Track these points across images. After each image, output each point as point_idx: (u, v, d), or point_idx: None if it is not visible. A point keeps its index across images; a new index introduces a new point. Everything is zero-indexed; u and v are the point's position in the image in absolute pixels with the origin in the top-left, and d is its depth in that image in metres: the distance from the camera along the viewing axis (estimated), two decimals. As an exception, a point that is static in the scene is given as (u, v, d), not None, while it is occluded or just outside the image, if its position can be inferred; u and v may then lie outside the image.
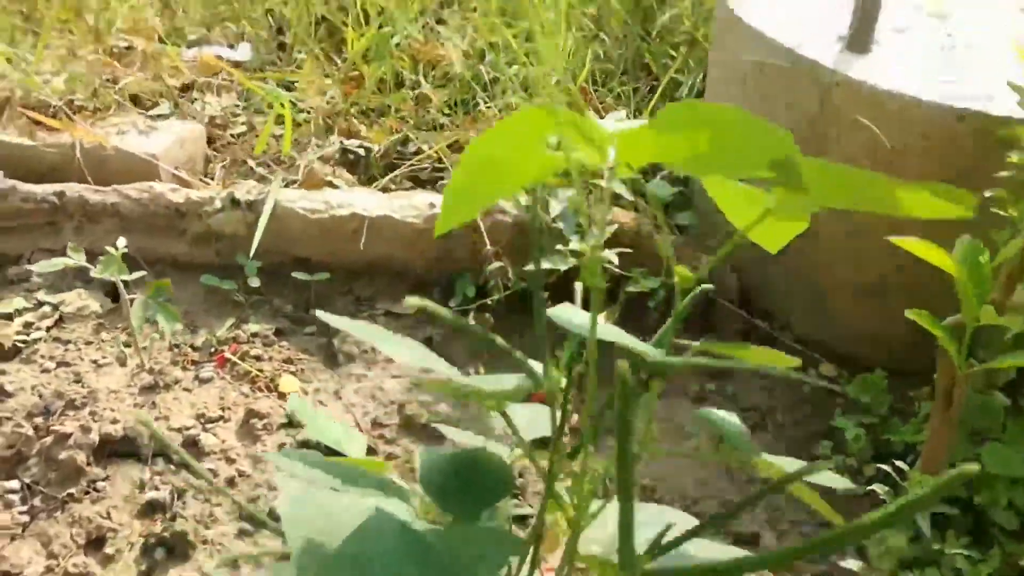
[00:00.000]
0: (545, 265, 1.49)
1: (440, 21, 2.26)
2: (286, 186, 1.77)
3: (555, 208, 1.54)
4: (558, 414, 0.63)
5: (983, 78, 1.41)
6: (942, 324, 1.08)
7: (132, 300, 1.42)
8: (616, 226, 1.56)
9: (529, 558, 0.63)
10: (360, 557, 0.54)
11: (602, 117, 1.67)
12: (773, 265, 1.60)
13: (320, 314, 0.72)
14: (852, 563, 1.18)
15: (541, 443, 0.68)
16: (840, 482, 0.71)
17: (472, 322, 1.63)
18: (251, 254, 1.64)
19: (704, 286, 0.64)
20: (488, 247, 1.59)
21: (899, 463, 1.19)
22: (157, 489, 1.27)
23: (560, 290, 0.77)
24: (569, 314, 0.67)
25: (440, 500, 0.65)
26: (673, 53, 2.08)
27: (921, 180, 0.54)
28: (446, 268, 1.71)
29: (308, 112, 2.03)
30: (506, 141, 0.54)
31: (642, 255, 1.60)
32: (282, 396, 1.48)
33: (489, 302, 1.55)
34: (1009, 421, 1.27)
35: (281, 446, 1.36)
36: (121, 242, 1.43)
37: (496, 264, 1.56)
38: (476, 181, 0.56)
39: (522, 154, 0.54)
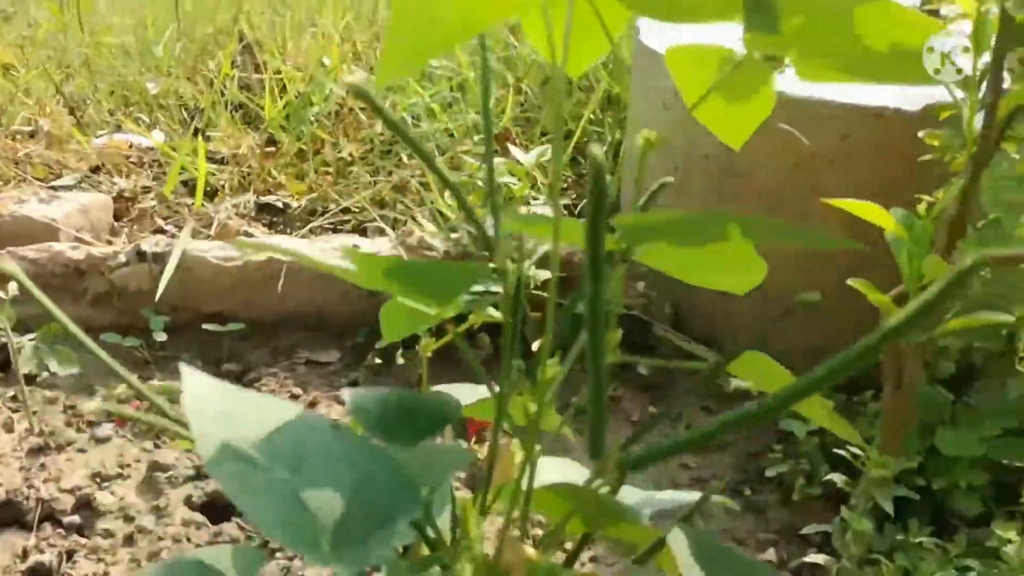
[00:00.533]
0: (479, 289, 1.42)
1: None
2: (197, 240, 1.68)
3: (490, 231, 1.49)
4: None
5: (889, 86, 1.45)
6: (887, 295, 1.05)
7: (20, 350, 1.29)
8: (547, 247, 1.51)
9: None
10: (291, 458, 0.44)
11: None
12: (704, 292, 1.58)
13: (183, 367, 0.54)
14: (818, 557, 1.10)
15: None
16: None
17: (401, 361, 1.54)
18: (156, 304, 1.53)
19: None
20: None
21: (854, 450, 1.13)
22: (42, 552, 1.12)
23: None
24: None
25: (377, 429, 0.56)
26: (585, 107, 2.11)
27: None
28: (373, 310, 1.62)
29: (223, 173, 1.97)
30: None
31: (574, 281, 1.55)
32: (189, 449, 1.34)
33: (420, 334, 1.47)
34: (958, 408, 1.24)
35: (187, 498, 1.23)
36: (12, 286, 1.31)
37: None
38: (416, 21, 0.49)
39: None
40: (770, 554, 1.20)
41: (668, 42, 0.55)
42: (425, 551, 0.56)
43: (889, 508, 1.05)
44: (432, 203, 1.75)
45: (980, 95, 1.00)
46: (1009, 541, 1.04)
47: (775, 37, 0.48)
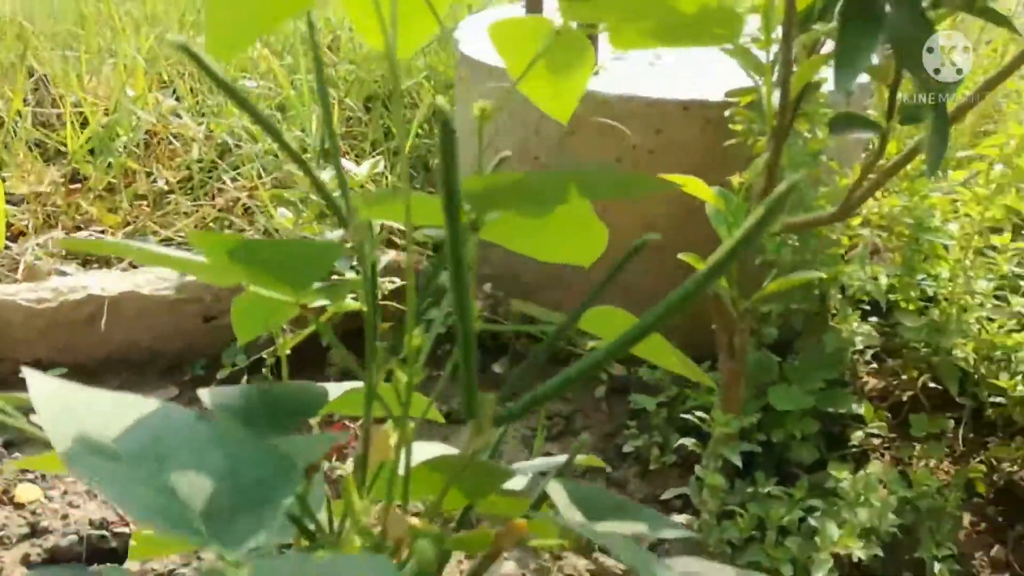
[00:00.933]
0: (325, 302, 1.39)
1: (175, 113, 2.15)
2: (4, 284, 1.54)
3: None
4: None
5: (692, 81, 1.56)
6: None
7: None
8: (388, 259, 1.50)
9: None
10: (155, 449, 0.42)
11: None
12: (552, 290, 1.63)
13: (27, 371, 0.50)
14: (680, 518, 1.16)
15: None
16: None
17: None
18: (-37, 356, 1.39)
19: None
20: (252, 303, 1.46)
21: (700, 414, 1.20)
22: None
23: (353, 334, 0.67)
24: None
25: (241, 420, 0.54)
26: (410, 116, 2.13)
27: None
28: (209, 341, 1.55)
29: (25, 213, 1.81)
30: None
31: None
32: (20, 506, 1.23)
33: (264, 356, 1.41)
34: (786, 367, 1.34)
35: (25, 558, 1.12)
36: None
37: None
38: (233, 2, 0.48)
39: None
40: (665, 517, 1.24)
41: (488, 51, 0.56)
42: (304, 543, 0.54)
43: (737, 461, 1.13)
44: (267, 220, 1.69)
45: (774, 78, 1.10)
46: (843, 480, 1.14)
47: (590, 4, 0.51)
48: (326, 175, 1.50)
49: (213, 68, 0.44)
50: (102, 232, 1.79)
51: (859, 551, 1.04)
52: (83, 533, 1.17)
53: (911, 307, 1.37)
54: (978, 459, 1.30)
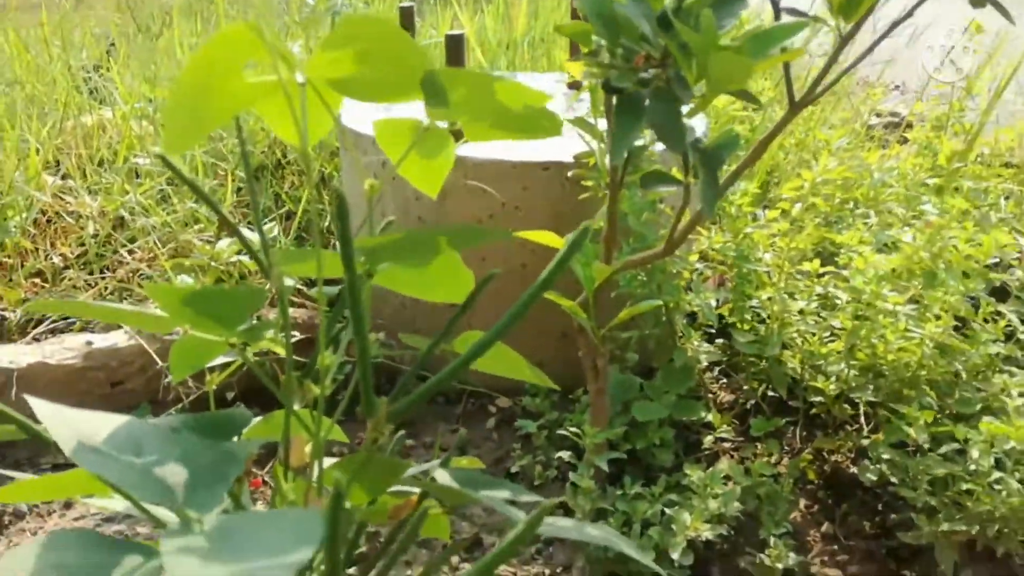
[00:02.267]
0: (230, 359, 1.51)
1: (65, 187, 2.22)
2: (-94, 363, 1.59)
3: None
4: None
5: (550, 146, 1.79)
6: (573, 302, 1.32)
7: None
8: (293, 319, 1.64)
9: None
10: (130, 443, 0.56)
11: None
12: (428, 320, 1.80)
13: (30, 399, 0.62)
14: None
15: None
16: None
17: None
18: None
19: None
20: (160, 365, 1.57)
21: (575, 430, 1.39)
22: None
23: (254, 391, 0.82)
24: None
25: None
26: (301, 189, 2.28)
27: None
28: (119, 404, 1.64)
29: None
30: (208, 67, 0.61)
31: (313, 343, 1.69)
32: None
33: (173, 413, 1.51)
34: (646, 385, 1.55)
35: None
36: None
37: (170, 378, 1.55)
38: (189, 107, 0.63)
39: (224, 80, 0.62)
40: (523, 487, 1.41)
41: (366, 121, 0.72)
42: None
43: (605, 467, 1.31)
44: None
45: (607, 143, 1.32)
46: (696, 477, 1.34)
47: (446, 109, 0.70)
48: (223, 244, 1.64)
49: (178, 169, 0.60)
50: (2, 310, 1.84)
51: (707, 532, 1.24)
52: None
53: (745, 327, 1.61)
54: (807, 451, 1.54)
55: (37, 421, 0.61)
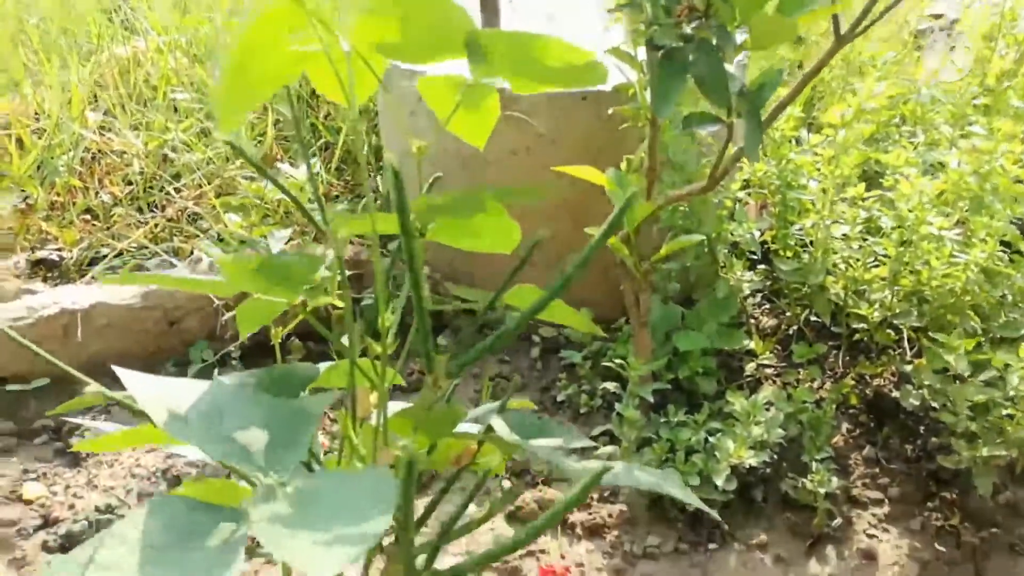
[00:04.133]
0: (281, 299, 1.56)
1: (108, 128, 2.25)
2: (-25, 307, 1.66)
3: (275, 247, 1.63)
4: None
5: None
6: (615, 238, 1.33)
7: None
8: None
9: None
10: (213, 410, 0.60)
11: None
12: (478, 268, 1.82)
13: (119, 370, 0.66)
14: (606, 449, 1.38)
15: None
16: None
17: (217, 380, 1.64)
18: (-47, 376, 1.52)
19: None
20: (216, 303, 1.62)
21: (619, 361, 1.42)
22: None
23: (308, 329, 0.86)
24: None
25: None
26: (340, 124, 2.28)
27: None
28: (176, 342, 1.70)
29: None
30: (255, 42, 0.63)
31: (367, 278, 1.74)
32: (29, 502, 1.38)
33: (232, 349, 1.58)
34: (687, 315, 1.57)
35: (44, 544, 1.28)
36: None
37: (229, 315, 1.60)
38: (238, 82, 0.65)
39: (271, 52, 0.64)
40: (571, 458, 1.46)
41: None
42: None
43: (649, 397, 1.35)
44: (215, 225, 1.84)
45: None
46: (739, 404, 1.37)
47: (488, 66, 0.71)
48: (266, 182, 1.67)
49: (254, 159, 0.62)
50: (59, 250, 1.90)
51: (750, 459, 1.27)
52: (91, 519, 1.33)
53: (788, 253, 1.61)
54: (850, 377, 1.56)
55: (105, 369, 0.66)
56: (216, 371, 1.64)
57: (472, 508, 1.31)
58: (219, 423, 0.60)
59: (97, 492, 1.40)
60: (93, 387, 0.75)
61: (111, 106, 2.28)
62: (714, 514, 0.79)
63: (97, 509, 1.35)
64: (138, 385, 0.61)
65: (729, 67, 0.80)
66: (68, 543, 1.29)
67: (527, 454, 0.68)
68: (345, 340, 0.74)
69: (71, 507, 1.36)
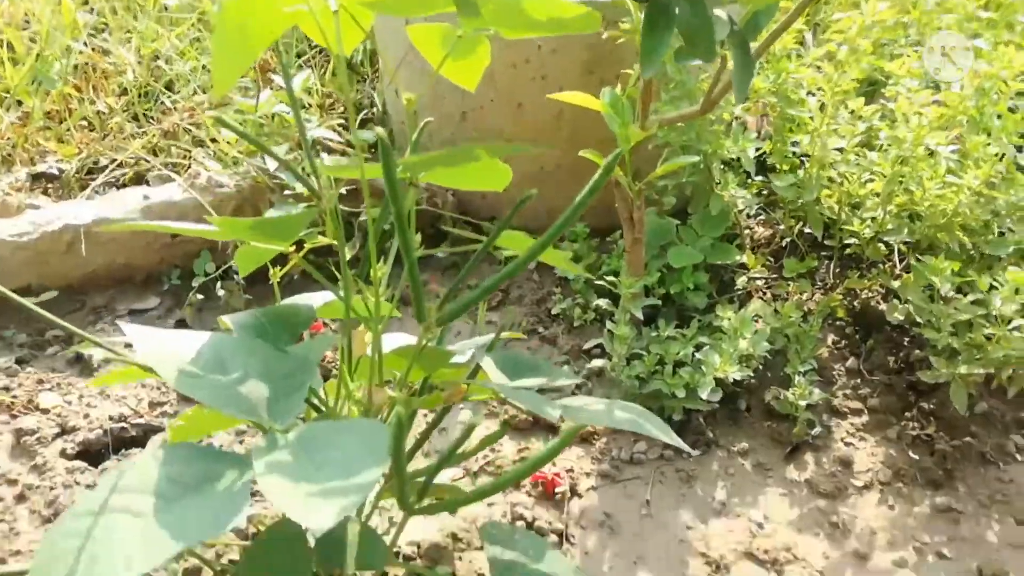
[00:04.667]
0: (280, 213, 1.58)
1: (98, 33, 2.21)
2: (-20, 221, 1.69)
3: (272, 164, 1.64)
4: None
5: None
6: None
7: None
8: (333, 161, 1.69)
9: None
10: (216, 362, 0.64)
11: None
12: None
13: (123, 324, 0.70)
14: (598, 363, 1.43)
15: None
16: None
17: (221, 292, 1.68)
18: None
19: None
20: (216, 216, 1.65)
21: (612, 278, 1.45)
22: (-60, 532, 1.21)
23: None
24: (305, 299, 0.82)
25: (255, 335, 0.76)
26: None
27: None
28: (179, 253, 1.74)
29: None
30: (246, 2, 0.64)
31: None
32: (46, 411, 1.44)
33: (232, 264, 1.61)
34: (682, 229, 1.59)
35: (62, 451, 1.35)
36: None
37: (228, 230, 1.63)
38: (232, 41, 0.66)
39: (262, 11, 0.65)
40: (564, 369, 1.52)
41: None
42: (314, 415, 0.78)
43: (639, 315, 1.39)
44: (212, 143, 1.84)
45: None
46: (728, 319, 1.41)
47: (479, 19, 0.71)
48: (264, 96, 1.66)
49: (245, 133, 0.63)
50: (59, 162, 1.91)
51: (735, 373, 1.33)
52: (105, 427, 1.40)
53: (785, 166, 1.62)
54: (839, 291, 1.59)
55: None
56: (219, 284, 1.68)
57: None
58: (221, 374, 0.64)
59: (110, 402, 1.47)
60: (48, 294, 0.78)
61: (102, 11, 2.24)
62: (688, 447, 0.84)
63: (111, 418, 1.41)
64: (142, 339, 0.64)
65: (719, 12, 0.79)
66: (85, 450, 1.36)
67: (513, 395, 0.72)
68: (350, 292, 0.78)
69: (86, 416, 1.42)
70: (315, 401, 0.78)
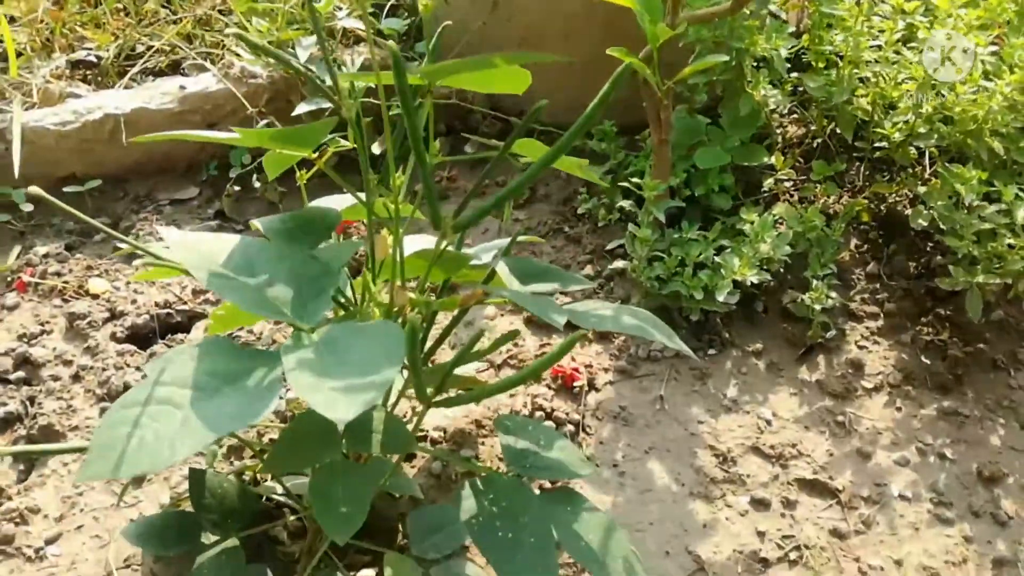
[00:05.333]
0: (311, 107, 1.60)
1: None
2: (25, 110, 1.73)
3: (303, 55, 1.65)
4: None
5: None
6: (637, 56, 1.33)
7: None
8: (362, 59, 1.69)
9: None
10: (245, 265, 0.69)
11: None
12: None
13: (162, 229, 0.75)
14: (620, 263, 1.47)
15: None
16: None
17: (257, 184, 1.73)
18: (15, 178, 1.63)
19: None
20: (251, 110, 1.68)
21: (636, 180, 1.47)
22: (5, 404, 1.32)
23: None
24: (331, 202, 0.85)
25: (287, 240, 0.81)
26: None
27: None
28: (216, 144, 1.78)
29: (23, 38, 1.95)
30: None
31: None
32: (96, 297, 1.53)
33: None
34: (711, 129, 1.59)
35: (112, 335, 1.44)
36: None
37: (264, 122, 1.66)
38: None
39: None
40: (587, 269, 1.56)
41: None
42: (342, 313, 0.84)
43: (662, 217, 1.41)
44: (243, 30, 1.84)
45: None
46: (751, 222, 1.43)
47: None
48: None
49: (253, 40, 0.65)
50: (96, 49, 1.94)
51: (753, 276, 1.35)
52: (152, 313, 1.49)
53: (820, 64, 1.59)
54: (863, 196, 1.59)
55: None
56: (255, 176, 1.73)
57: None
58: (250, 277, 0.69)
59: (156, 288, 1.55)
60: (33, 189, 0.82)
61: None
62: (687, 350, 0.88)
63: (156, 305, 1.50)
64: (177, 241, 0.69)
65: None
66: (134, 334, 1.45)
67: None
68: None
69: (133, 302, 1.51)
70: (342, 300, 0.83)
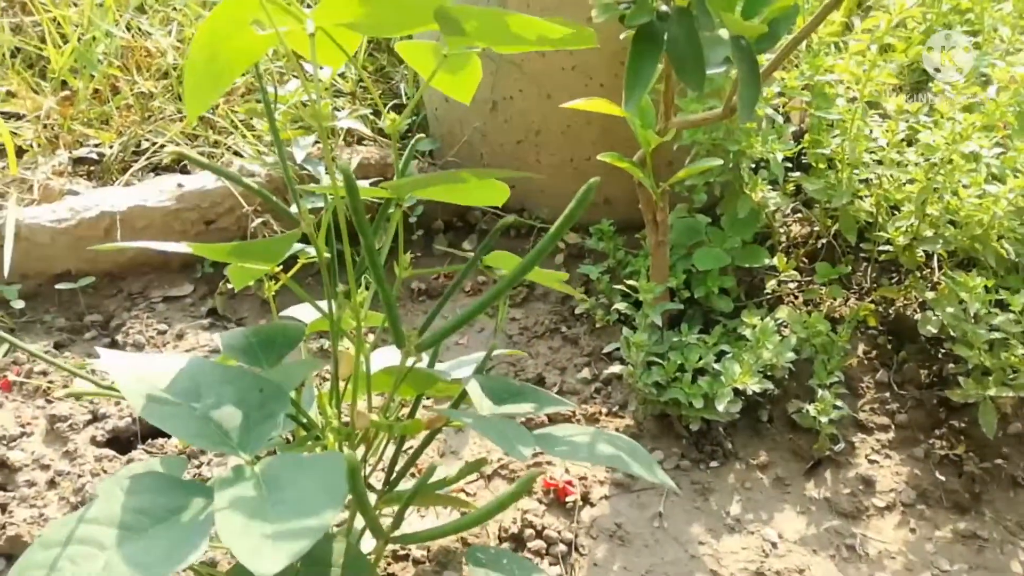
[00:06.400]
0: (308, 206, 1.59)
1: (143, 12, 2.25)
2: (24, 206, 1.74)
3: (299, 155, 1.65)
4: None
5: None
6: (630, 160, 1.31)
7: None
8: (360, 158, 1.69)
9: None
10: (191, 389, 0.65)
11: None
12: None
13: (100, 350, 0.71)
14: (616, 368, 1.42)
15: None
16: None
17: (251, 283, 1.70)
18: (5, 277, 1.61)
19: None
20: (246, 208, 1.67)
21: (633, 282, 1.43)
22: (-27, 513, 1.26)
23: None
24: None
25: (246, 358, 0.77)
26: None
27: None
28: (215, 239, 1.76)
29: (28, 135, 1.98)
30: (220, 28, 0.64)
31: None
32: (79, 398, 1.49)
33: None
34: (710, 230, 1.55)
35: (92, 438, 1.39)
36: None
37: (259, 220, 1.65)
38: (205, 68, 0.66)
39: (236, 36, 0.65)
40: (584, 372, 1.51)
41: None
42: (303, 433, 0.79)
43: (659, 321, 1.36)
44: (244, 135, 1.86)
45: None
46: (753, 326, 1.38)
47: (464, 38, 0.69)
48: (291, 86, 1.66)
49: (213, 165, 0.63)
50: (98, 147, 1.96)
51: (754, 385, 1.29)
52: (134, 416, 1.44)
53: (821, 165, 1.56)
54: (870, 299, 1.54)
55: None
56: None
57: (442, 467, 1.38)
58: (196, 402, 0.65)
59: (140, 389, 1.51)
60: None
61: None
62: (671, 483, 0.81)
63: (140, 407, 1.45)
64: (117, 366, 0.65)
65: (723, 31, 0.76)
66: (114, 438, 1.40)
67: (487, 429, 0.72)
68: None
69: (116, 403, 1.47)
70: (304, 421, 0.78)
